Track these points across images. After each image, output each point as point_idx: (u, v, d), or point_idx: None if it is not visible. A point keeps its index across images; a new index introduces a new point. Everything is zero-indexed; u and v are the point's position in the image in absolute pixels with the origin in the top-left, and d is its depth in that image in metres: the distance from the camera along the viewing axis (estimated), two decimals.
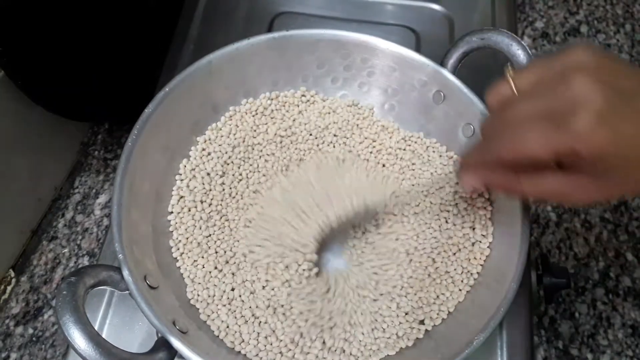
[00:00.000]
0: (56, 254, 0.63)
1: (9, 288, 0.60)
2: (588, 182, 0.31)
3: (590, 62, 0.30)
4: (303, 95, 0.50)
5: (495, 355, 0.43)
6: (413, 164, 0.47)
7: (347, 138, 0.48)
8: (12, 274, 0.61)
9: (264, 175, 0.46)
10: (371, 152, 0.48)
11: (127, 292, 0.36)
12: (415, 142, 0.48)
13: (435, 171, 0.46)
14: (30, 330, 0.59)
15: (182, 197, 0.44)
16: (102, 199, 0.66)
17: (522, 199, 0.39)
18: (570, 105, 0.28)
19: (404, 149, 0.48)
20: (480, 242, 0.43)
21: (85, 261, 0.62)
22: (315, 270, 0.41)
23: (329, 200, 0.42)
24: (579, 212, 0.67)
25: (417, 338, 0.40)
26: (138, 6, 0.55)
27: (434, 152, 0.48)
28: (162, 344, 0.34)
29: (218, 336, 0.39)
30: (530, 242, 0.39)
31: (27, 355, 0.58)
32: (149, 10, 0.57)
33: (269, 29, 0.60)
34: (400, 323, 0.40)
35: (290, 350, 0.39)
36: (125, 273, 0.35)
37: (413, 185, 0.46)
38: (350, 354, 0.39)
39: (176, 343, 0.33)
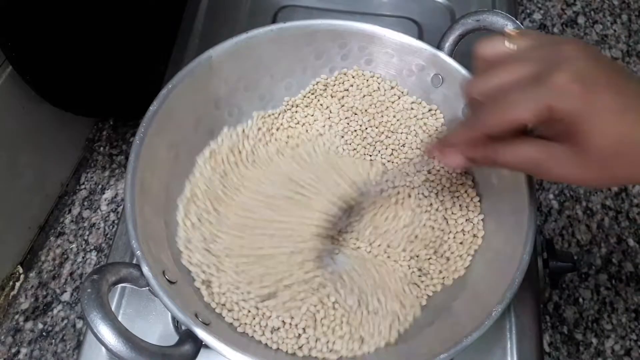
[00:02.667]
0: (64, 249, 0.63)
1: (17, 284, 0.61)
2: (564, 153, 0.30)
3: (583, 44, 0.31)
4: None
5: (504, 338, 0.44)
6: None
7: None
8: (21, 270, 0.61)
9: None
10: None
11: (146, 287, 0.35)
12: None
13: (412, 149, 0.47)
14: (40, 326, 0.59)
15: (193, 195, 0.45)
16: (108, 194, 0.66)
17: (497, 167, 0.39)
18: (555, 64, 0.29)
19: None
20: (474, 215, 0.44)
21: (93, 256, 0.63)
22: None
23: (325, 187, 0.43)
24: (580, 199, 0.68)
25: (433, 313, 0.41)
26: (143, 2, 0.56)
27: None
28: (188, 337, 0.34)
29: (234, 325, 0.39)
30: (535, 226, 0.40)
31: (38, 350, 0.58)
32: (154, 5, 0.57)
33: (273, 23, 0.61)
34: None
35: (307, 334, 0.39)
36: (145, 269, 0.35)
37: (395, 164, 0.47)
38: (365, 333, 0.40)
39: (202, 334, 0.33)
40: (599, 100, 0.29)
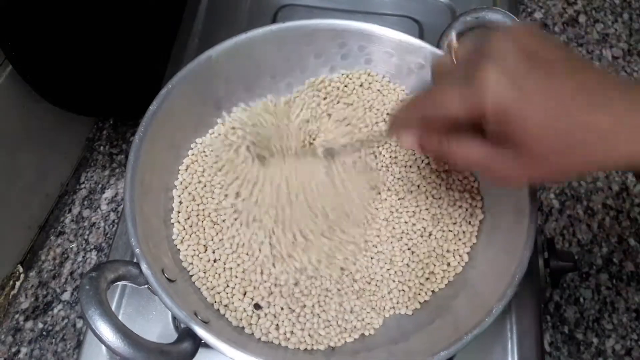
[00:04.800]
0: (64, 249, 0.63)
1: (17, 283, 0.61)
2: (509, 156, 0.29)
3: (517, 30, 0.30)
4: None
5: (505, 338, 0.44)
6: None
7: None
8: (21, 270, 0.61)
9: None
10: None
11: (145, 286, 0.35)
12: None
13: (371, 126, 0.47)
14: (40, 325, 0.59)
15: (185, 189, 0.45)
16: (108, 193, 0.66)
17: (451, 167, 0.40)
18: (483, 61, 0.28)
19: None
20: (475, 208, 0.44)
21: (93, 255, 0.63)
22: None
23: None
24: (581, 199, 0.68)
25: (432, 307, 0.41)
26: (143, 2, 0.56)
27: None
28: (187, 335, 0.34)
29: (238, 326, 0.39)
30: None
31: (38, 350, 0.58)
32: (154, 5, 0.57)
33: (273, 22, 0.60)
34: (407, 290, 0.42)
35: (313, 327, 0.39)
36: (144, 267, 0.35)
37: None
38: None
39: (201, 332, 0.33)
40: (531, 93, 0.27)
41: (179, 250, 0.42)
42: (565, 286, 0.62)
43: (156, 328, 0.44)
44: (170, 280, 0.37)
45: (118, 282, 0.34)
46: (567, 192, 0.68)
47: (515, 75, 0.27)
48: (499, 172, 0.31)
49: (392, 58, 0.49)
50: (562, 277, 0.48)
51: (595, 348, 0.59)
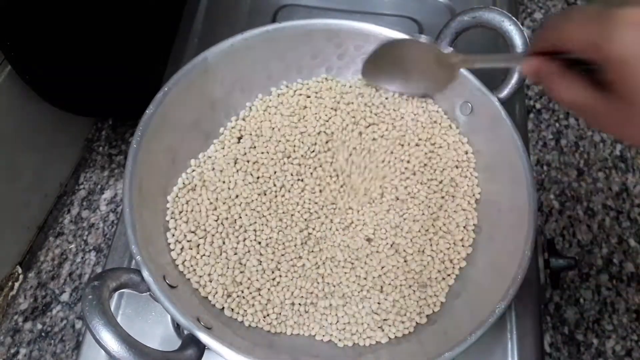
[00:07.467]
0: (63, 249, 0.63)
1: (16, 284, 0.61)
2: (608, 107, 0.29)
3: None
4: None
5: (505, 339, 0.44)
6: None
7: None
8: (20, 270, 0.61)
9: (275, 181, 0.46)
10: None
11: (147, 293, 0.35)
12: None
13: None
14: (39, 326, 0.59)
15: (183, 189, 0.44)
16: (107, 194, 0.66)
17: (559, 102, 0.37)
18: (626, 3, 0.26)
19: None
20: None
21: (92, 256, 0.63)
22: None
23: None
24: (581, 199, 0.68)
25: (432, 311, 0.41)
26: (142, 2, 0.55)
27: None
28: (190, 341, 0.34)
29: (240, 326, 0.39)
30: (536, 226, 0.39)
31: (37, 351, 0.58)
32: (153, 5, 0.57)
33: (273, 22, 0.60)
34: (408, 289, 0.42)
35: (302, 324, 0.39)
36: (146, 274, 0.35)
37: None
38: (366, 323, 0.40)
39: (205, 338, 0.33)
40: None
41: (178, 256, 0.42)
42: (565, 287, 0.62)
43: (156, 329, 0.44)
44: (171, 287, 0.37)
45: (120, 290, 0.34)
46: (567, 192, 0.68)
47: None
48: (598, 119, 0.31)
49: None
50: (562, 277, 0.48)
51: (595, 349, 0.59)
